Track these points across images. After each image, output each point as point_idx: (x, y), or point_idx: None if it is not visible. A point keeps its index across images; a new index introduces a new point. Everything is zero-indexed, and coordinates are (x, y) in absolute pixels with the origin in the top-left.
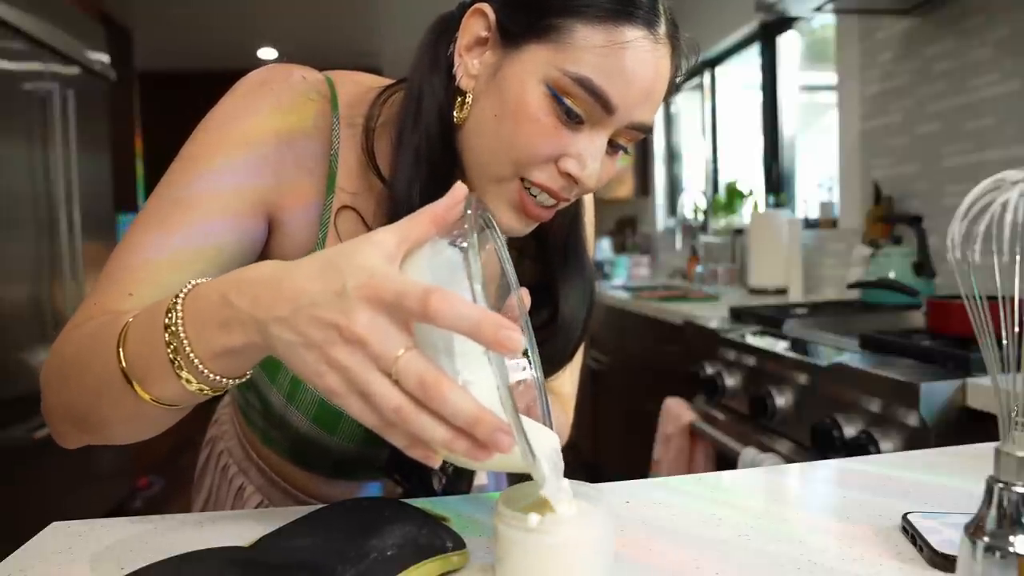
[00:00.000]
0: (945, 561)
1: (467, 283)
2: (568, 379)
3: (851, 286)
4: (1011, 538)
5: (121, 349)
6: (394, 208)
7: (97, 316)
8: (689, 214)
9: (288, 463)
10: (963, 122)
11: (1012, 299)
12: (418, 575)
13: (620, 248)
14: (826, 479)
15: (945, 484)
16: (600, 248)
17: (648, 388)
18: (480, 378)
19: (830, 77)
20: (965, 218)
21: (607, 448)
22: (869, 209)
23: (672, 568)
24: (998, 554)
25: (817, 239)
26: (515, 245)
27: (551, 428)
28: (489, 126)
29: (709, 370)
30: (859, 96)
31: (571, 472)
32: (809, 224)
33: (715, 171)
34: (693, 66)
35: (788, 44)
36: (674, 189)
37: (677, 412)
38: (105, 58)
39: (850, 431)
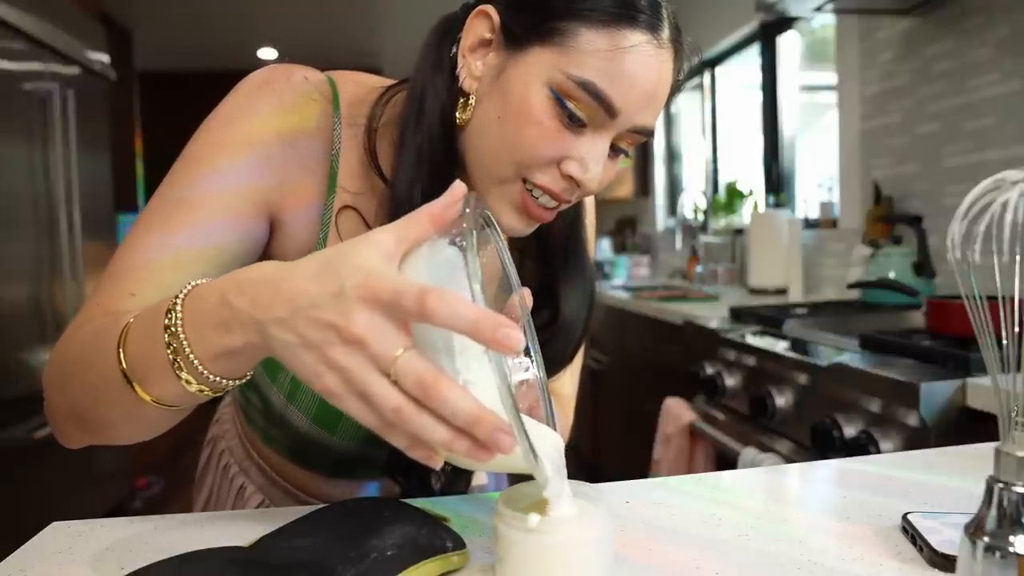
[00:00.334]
0: (945, 561)
1: (466, 282)
2: (569, 380)
3: (851, 286)
4: (1011, 538)
5: (121, 350)
6: (395, 208)
7: (99, 316)
8: (689, 214)
9: (289, 462)
10: (963, 122)
11: (1012, 299)
12: (418, 575)
13: (620, 248)
14: (826, 479)
15: (945, 484)
16: (600, 248)
17: (648, 388)
18: (480, 378)
19: (830, 77)
20: (965, 218)
21: (607, 448)
22: (869, 209)
23: (672, 568)
24: (998, 554)
25: (817, 239)
26: (516, 246)
27: (554, 428)
28: (492, 127)
29: (709, 370)
30: (859, 96)
31: (571, 472)
32: (809, 224)
33: (715, 171)
34: (694, 67)
35: (788, 44)
36: (674, 189)
37: (677, 412)
38: (105, 58)
39: (850, 431)
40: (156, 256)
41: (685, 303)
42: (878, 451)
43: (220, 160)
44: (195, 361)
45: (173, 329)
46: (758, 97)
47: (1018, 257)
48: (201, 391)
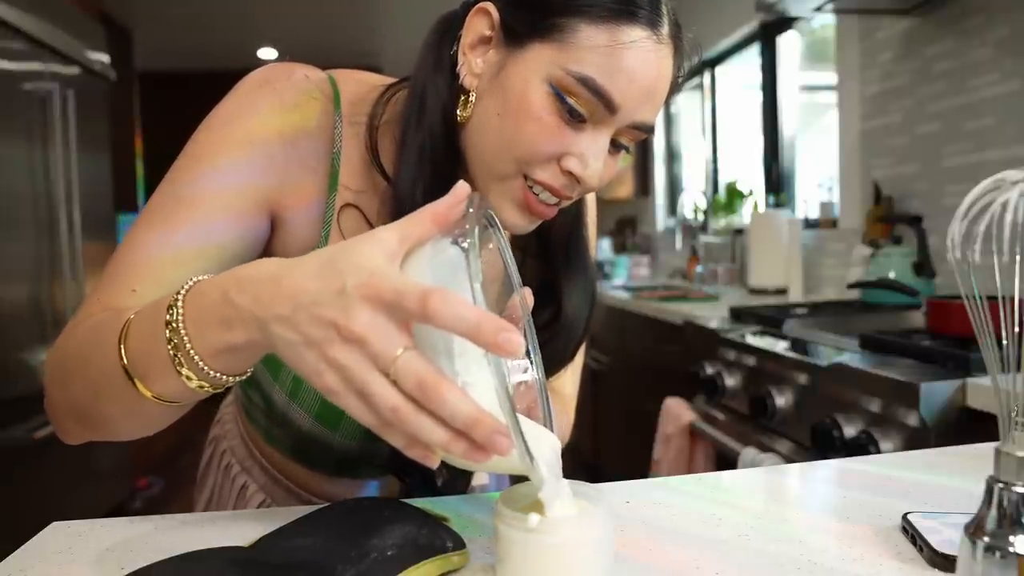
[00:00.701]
0: (945, 561)
1: (468, 283)
2: (569, 379)
3: (851, 286)
4: (1011, 538)
5: (122, 345)
6: (397, 206)
7: (100, 313)
8: (689, 214)
9: (291, 461)
10: (963, 122)
11: (1012, 299)
12: (418, 575)
13: (620, 248)
14: (826, 479)
15: (945, 484)
16: (600, 248)
17: (648, 388)
18: (480, 380)
19: (830, 77)
20: (965, 218)
21: (607, 448)
22: (869, 209)
23: (672, 568)
24: (998, 554)
25: (817, 239)
26: (518, 244)
27: (552, 430)
28: (492, 124)
29: (709, 370)
30: (859, 96)
31: (571, 472)
32: (809, 224)
33: (715, 171)
34: (694, 66)
35: (788, 44)
36: (674, 189)
37: (677, 412)
38: (105, 58)
39: (850, 431)
40: (157, 253)
41: (685, 303)
42: (878, 451)
43: (221, 159)
44: (196, 357)
45: (174, 325)
46: (758, 97)
47: (1018, 257)
48: (202, 387)
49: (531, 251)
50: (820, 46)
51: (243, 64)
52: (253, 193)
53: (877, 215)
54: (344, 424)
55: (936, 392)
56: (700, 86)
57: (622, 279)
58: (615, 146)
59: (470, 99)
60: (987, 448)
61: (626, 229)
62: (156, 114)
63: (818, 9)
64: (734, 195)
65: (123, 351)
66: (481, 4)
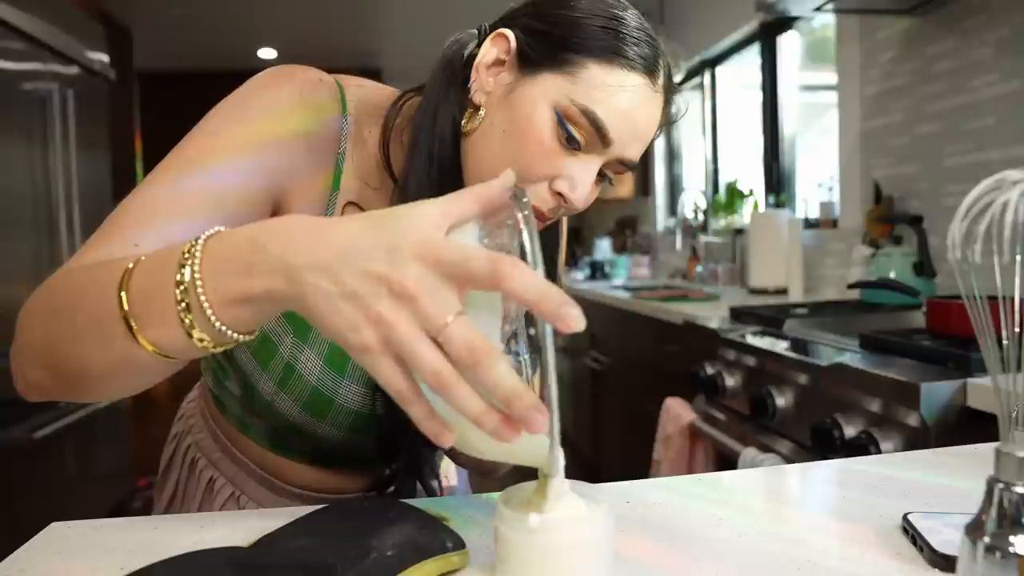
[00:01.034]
0: (945, 561)
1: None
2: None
3: (851, 286)
4: (1011, 538)
5: (123, 288)
6: None
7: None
8: (689, 214)
9: (267, 451)
10: (963, 122)
11: (1012, 299)
12: (418, 575)
13: (620, 248)
14: (826, 479)
15: (945, 484)
16: (600, 248)
17: (648, 388)
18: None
19: (830, 77)
20: (965, 218)
21: (607, 448)
22: (869, 209)
23: (672, 568)
24: (998, 554)
25: (817, 239)
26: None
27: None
28: (495, 139)
29: (709, 370)
30: (859, 96)
31: (571, 472)
32: (809, 224)
33: (715, 171)
34: (693, 66)
35: (788, 44)
36: (674, 189)
37: (677, 412)
38: (105, 58)
39: (850, 431)
40: (165, 209)
41: (685, 303)
42: (878, 451)
43: (236, 153)
44: (205, 304)
45: (188, 266)
46: (758, 97)
47: (1018, 257)
48: (201, 341)
49: None
50: (820, 46)
51: (243, 64)
52: (263, 183)
53: (877, 215)
54: (332, 414)
55: (936, 392)
56: (700, 86)
57: (622, 279)
58: (600, 175)
59: (478, 114)
60: (987, 448)
61: (626, 229)
62: (156, 114)
63: (818, 9)
64: (734, 195)
65: (123, 293)
66: (501, 30)
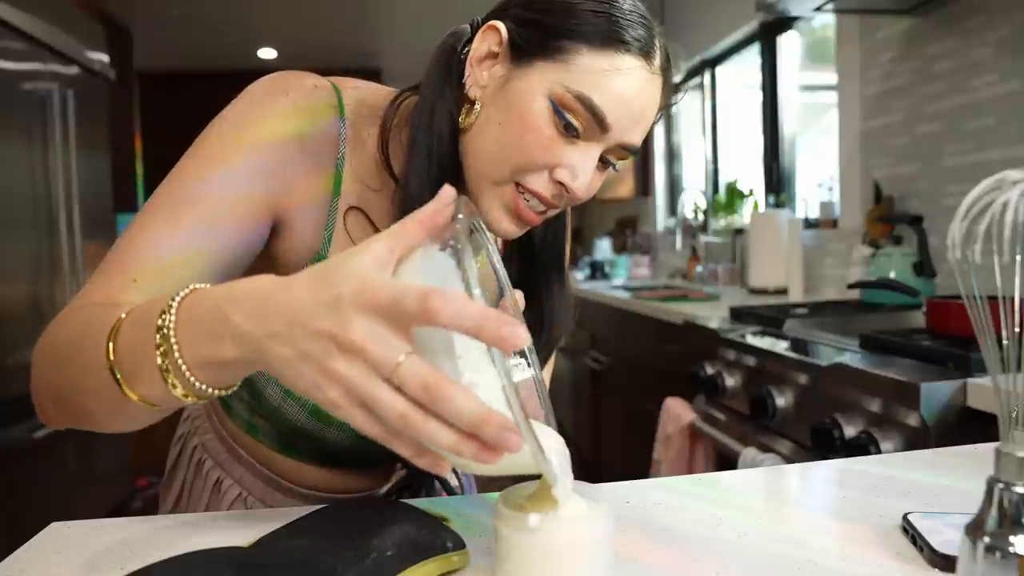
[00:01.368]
0: (945, 561)
1: (459, 285)
2: (547, 377)
3: (851, 286)
4: (1011, 538)
5: (111, 344)
6: (406, 204)
7: (98, 301)
8: (689, 214)
9: (276, 453)
10: (963, 122)
11: (1012, 299)
12: (418, 575)
13: (620, 248)
14: (826, 479)
15: (945, 484)
16: (600, 248)
17: (648, 388)
18: (483, 379)
19: (830, 77)
20: (965, 218)
21: (607, 448)
22: (869, 209)
23: (672, 568)
24: (998, 554)
25: (817, 239)
26: (502, 250)
27: (554, 427)
28: (492, 132)
29: (709, 370)
30: (859, 96)
31: (571, 472)
32: (809, 224)
33: (715, 171)
34: (693, 66)
35: (788, 44)
36: (674, 189)
37: (677, 412)
38: (105, 58)
39: (850, 431)
40: (161, 246)
41: (685, 303)
42: (878, 451)
43: (231, 162)
44: (183, 367)
45: (165, 331)
46: (758, 97)
47: (1018, 257)
48: (186, 396)
49: (514, 258)
50: (820, 46)
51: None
52: (260, 196)
53: (877, 215)
54: (340, 421)
55: (936, 392)
56: (700, 86)
57: (622, 279)
58: (603, 162)
59: (474, 108)
60: (987, 448)
61: (626, 229)
62: (155, 114)
63: (818, 9)
64: (734, 195)
65: (111, 349)
66: (492, 23)
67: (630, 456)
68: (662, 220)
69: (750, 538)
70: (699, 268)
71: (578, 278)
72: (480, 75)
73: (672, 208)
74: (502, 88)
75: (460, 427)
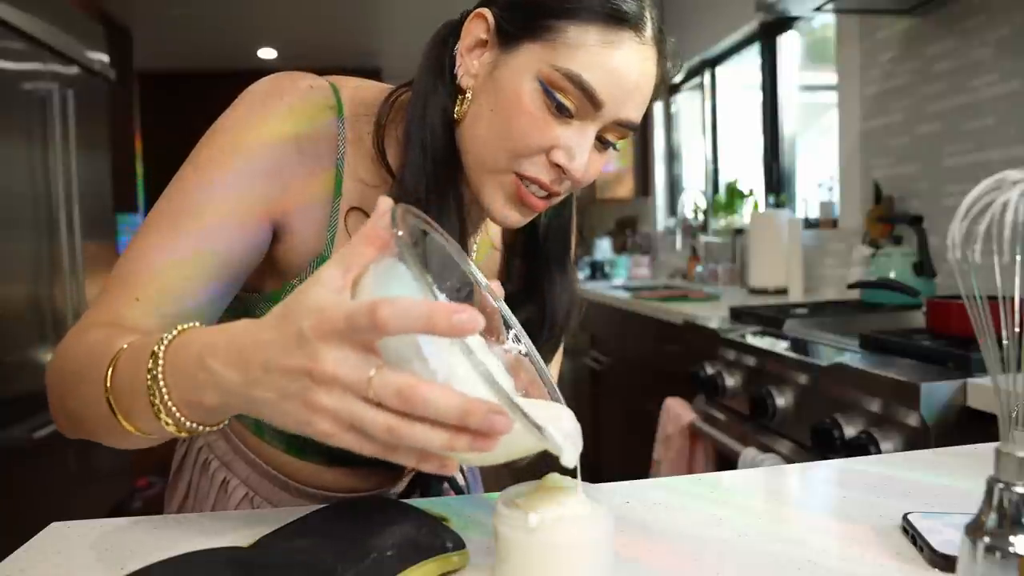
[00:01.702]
0: (945, 561)
1: (418, 289)
2: (554, 373)
3: (851, 286)
4: (1011, 538)
5: (109, 379)
6: (403, 199)
7: (104, 320)
8: (689, 214)
9: (283, 453)
10: (963, 122)
11: (1012, 299)
12: (418, 575)
13: (620, 248)
14: (826, 479)
15: (945, 484)
16: (600, 248)
17: (648, 388)
18: (462, 371)
19: (830, 77)
20: (965, 218)
21: (607, 448)
22: (869, 209)
23: (672, 568)
24: (998, 554)
25: (817, 239)
26: (505, 242)
27: (560, 400)
28: (485, 120)
29: (709, 370)
30: (859, 96)
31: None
32: (809, 224)
33: (715, 171)
34: (693, 65)
35: (788, 44)
36: (674, 189)
37: (677, 412)
38: (105, 58)
39: (850, 431)
40: (161, 261)
41: (685, 303)
42: (878, 451)
43: (228, 168)
44: (173, 408)
45: (154, 374)
46: (758, 97)
47: (1018, 257)
48: (179, 431)
49: (517, 251)
50: (820, 46)
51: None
52: (259, 202)
53: (877, 215)
54: None
55: (936, 392)
56: (700, 86)
57: (622, 279)
58: (603, 143)
59: (467, 98)
60: (987, 448)
61: (626, 229)
62: (155, 114)
63: (818, 9)
64: (734, 195)
65: (108, 386)
66: (478, 10)
67: (630, 456)
68: (662, 220)
69: (750, 538)
70: (699, 268)
71: (578, 278)
72: (470, 64)
73: (672, 208)
74: (491, 75)
75: (448, 424)
